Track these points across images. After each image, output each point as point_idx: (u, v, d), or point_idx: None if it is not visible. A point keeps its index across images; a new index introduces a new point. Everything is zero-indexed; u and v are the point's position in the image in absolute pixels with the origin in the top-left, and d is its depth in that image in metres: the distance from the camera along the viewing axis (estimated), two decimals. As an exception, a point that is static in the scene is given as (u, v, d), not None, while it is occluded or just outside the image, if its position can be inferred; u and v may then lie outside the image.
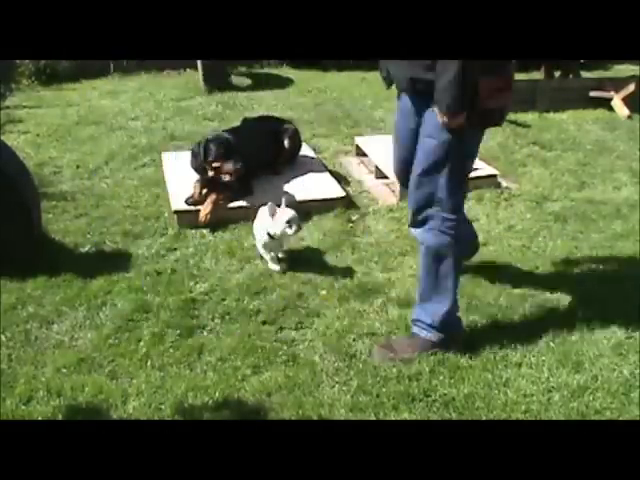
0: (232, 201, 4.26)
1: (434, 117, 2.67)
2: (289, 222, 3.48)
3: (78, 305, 3.29)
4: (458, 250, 2.91)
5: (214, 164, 4.24)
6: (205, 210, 4.11)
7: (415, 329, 2.99)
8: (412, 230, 2.97)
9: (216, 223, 4.10)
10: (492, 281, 3.53)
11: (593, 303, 3.33)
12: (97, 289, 3.41)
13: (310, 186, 4.57)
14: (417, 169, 2.81)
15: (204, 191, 4.26)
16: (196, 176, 4.39)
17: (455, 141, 2.67)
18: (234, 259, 3.77)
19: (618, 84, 6.83)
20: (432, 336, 2.93)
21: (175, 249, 3.88)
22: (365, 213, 4.37)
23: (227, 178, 4.24)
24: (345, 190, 4.58)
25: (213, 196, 4.18)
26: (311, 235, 4.02)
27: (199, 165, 4.35)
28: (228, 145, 4.29)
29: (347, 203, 4.39)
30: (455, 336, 2.98)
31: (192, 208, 4.18)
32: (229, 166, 4.21)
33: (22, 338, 3.06)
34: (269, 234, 3.55)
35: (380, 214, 4.39)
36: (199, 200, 4.21)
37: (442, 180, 2.74)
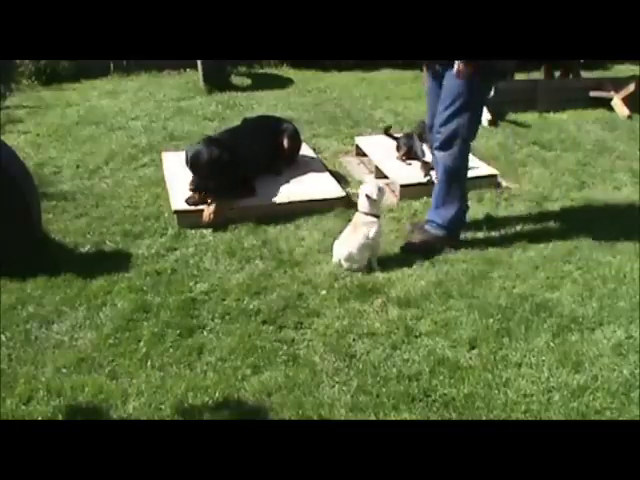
0: (233, 201, 4.26)
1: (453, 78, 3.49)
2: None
3: (78, 305, 3.29)
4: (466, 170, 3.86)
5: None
6: (208, 210, 4.11)
7: (427, 226, 3.89)
8: (436, 152, 3.80)
9: (216, 223, 4.10)
10: (492, 281, 3.53)
11: (593, 303, 3.33)
12: (97, 289, 3.41)
13: (310, 186, 4.57)
14: (446, 110, 3.63)
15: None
16: (196, 176, 4.39)
17: (469, 88, 3.54)
18: (234, 259, 3.76)
19: (618, 84, 6.82)
20: (440, 233, 3.84)
21: (175, 249, 3.88)
22: (365, 213, 4.36)
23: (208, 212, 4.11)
24: (345, 190, 4.58)
25: (215, 196, 4.17)
26: (311, 235, 4.02)
27: None
28: (198, 166, 4.19)
29: (347, 203, 4.38)
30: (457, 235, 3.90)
31: (192, 208, 4.17)
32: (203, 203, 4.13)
33: (22, 338, 3.06)
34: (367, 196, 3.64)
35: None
36: (199, 200, 4.20)
37: (464, 118, 3.61)
